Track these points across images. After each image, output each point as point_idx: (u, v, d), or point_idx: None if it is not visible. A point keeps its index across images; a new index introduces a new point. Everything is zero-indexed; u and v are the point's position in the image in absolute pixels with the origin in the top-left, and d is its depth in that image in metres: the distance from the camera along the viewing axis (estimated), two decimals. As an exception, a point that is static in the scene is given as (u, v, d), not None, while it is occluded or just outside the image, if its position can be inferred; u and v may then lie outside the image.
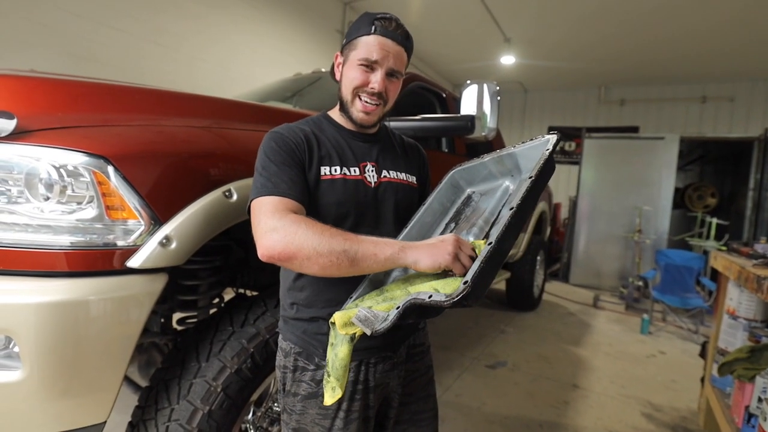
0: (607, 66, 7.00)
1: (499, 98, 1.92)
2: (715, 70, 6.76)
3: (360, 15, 0.96)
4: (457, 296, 0.64)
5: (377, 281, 0.90)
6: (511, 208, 0.74)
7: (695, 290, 4.27)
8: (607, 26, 5.46)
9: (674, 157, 5.33)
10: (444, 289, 0.70)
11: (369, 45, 0.91)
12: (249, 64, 4.36)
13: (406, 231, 0.96)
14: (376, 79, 0.91)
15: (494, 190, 1.03)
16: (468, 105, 1.90)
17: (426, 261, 0.73)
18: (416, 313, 0.70)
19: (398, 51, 0.93)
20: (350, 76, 0.93)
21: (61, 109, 0.95)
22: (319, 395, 0.93)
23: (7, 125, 0.85)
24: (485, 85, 1.89)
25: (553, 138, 0.88)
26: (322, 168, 0.91)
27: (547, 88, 8.80)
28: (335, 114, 1.02)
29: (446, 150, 2.65)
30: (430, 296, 0.66)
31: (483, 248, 0.70)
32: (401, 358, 1.01)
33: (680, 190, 6.60)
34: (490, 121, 1.88)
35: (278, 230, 0.76)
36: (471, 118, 1.82)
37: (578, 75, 7.65)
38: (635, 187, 5.50)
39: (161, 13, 3.52)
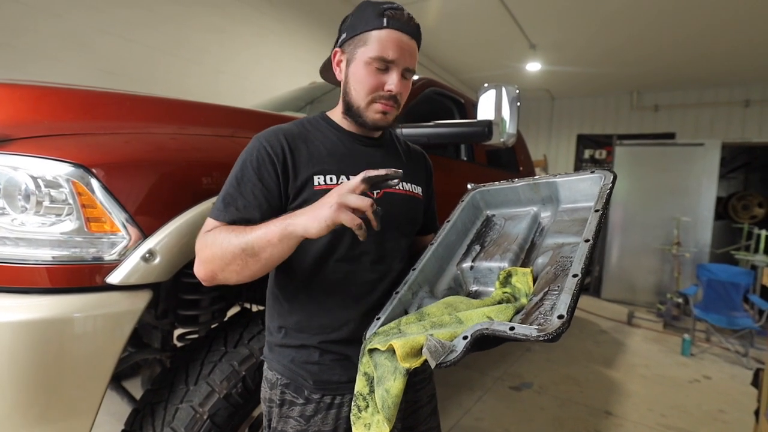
0: (638, 69, 6.68)
1: (518, 103, 1.81)
2: (760, 71, 6.32)
3: (359, 4, 0.84)
4: (554, 332, 0.56)
5: (406, 301, 0.83)
6: (587, 240, 0.72)
7: (743, 308, 3.92)
8: (637, 26, 5.19)
9: (715, 164, 4.99)
10: (498, 317, 0.65)
11: (382, 41, 0.79)
12: (271, 74, 4.40)
13: (431, 251, 0.91)
14: (393, 81, 0.81)
15: (521, 215, 0.98)
16: (485, 110, 1.79)
17: (313, 225, 0.65)
18: (482, 343, 0.63)
19: (412, 47, 0.83)
20: (361, 78, 0.81)
21: (44, 117, 0.91)
22: None
23: (-14, 133, 0.82)
24: (504, 89, 1.77)
25: (610, 174, 0.87)
26: (316, 177, 0.81)
27: (575, 95, 8.51)
28: (336, 115, 0.91)
29: (465, 158, 2.54)
30: (512, 328, 0.58)
31: (569, 281, 0.65)
32: None
33: (723, 199, 6.17)
34: (510, 127, 1.77)
35: (198, 255, 0.76)
36: (488, 124, 1.71)
37: (608, 80, 7.35)
38: (672, 196, 5.16)
39: (184, 27, 3.60)
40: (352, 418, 0.73)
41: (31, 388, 0.83)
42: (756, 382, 2.14)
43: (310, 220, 0.66)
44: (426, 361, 0.61)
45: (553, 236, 0.86)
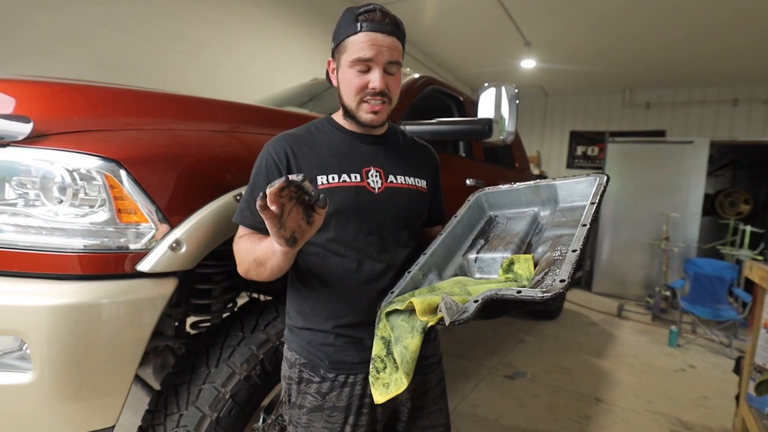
0: (631, 68, 6.80)
1: (517, 101, 1.87)
2: (748, 71, 6.48)
3: (342, 12, 0.89)
4: (557, 292, 0.62)
5: (417, 280, 0.91)
6: (584, 225, 0.82)
7: (728, 301, 4.06)
8: (630, 25, 5.30)
9: (704, 162, 5.12)
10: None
11: (358, 44, 0.84)
12: (268, 70, 4.42)
13: (440, 240, 0.99)
14: (375, 78, 0.85)
15: (522, 215, 1.08)
16: (485, 108, 1.86)
17: (275, 240, 0.70)
18: (491, 308, 0.69)
19: (391, 43, 0.86)
20: (347, 81, 0.88)
21: (76, 113, 0.96)
22: (325, 408, 0.91)
23: (24, 129, 0.87)
24: (503, 88, 1.84)
25: (604, 176, 0.97)
26: (319, 177, 0.89)
27: (568, 92, 8.62)
28: (339, 117, 0.98)
29: (463, 155, 2.61)
30: (519, 291, 0.65)
31: (569, 255, 0.73)
32: None
33: (710, 196, 6.33)
34: (509, 125, 1.84)
35: (236, 258, 0.89)
36: (488, 122, 1.77)
37: (601, 78, 7.47)
38: (662, 193, 5.29)
39: (182, 21, 3.60)
40: (370, 379, 0.78)
41: (66, 368, 0.88)
42: (737, 369, 2.26)
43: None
44: (442, 319, 0.68)
45: (552, 230, 0.95)
